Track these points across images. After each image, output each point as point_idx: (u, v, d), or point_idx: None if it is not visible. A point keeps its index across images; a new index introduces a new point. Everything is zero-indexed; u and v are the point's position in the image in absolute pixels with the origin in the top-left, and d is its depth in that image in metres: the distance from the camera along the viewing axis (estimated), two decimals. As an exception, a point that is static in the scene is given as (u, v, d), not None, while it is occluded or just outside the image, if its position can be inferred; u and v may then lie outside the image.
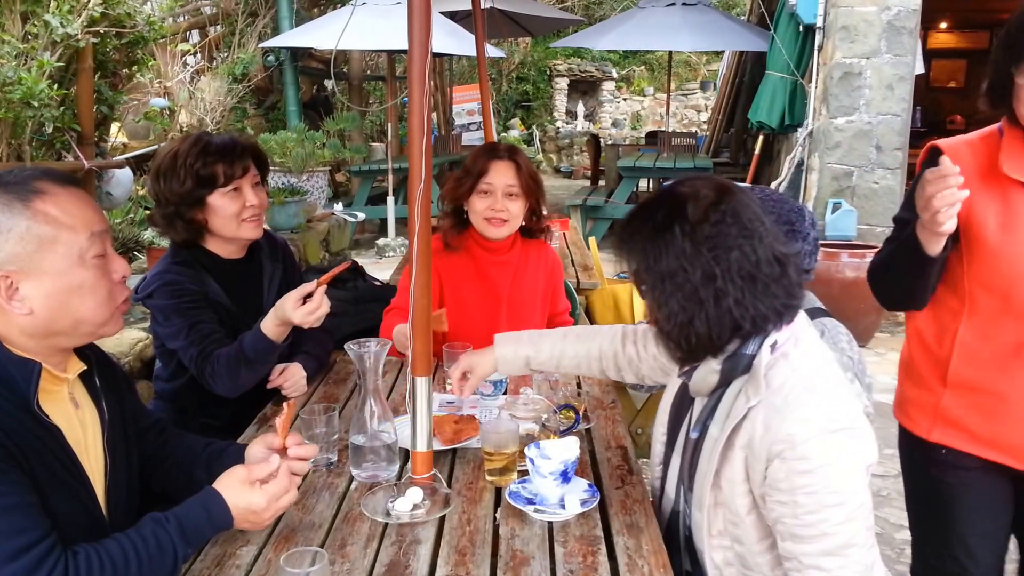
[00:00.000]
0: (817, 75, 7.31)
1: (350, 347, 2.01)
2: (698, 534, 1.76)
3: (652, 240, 1.60)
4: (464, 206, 2.97)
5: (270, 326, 2.35)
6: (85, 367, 1.73)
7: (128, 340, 3.76)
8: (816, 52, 7.30)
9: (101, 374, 1.79)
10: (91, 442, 1.70)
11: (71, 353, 1.71)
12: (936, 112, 13.31)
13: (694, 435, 1.75)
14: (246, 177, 2.60)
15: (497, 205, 2.89)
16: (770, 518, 1.60)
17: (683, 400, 1.86)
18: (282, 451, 1.78)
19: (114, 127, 7.46)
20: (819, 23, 7.19)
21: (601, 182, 12.46)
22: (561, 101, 20.61)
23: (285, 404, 1.79)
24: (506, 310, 3.01)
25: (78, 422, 1.67)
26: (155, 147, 7.54)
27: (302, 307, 2.27)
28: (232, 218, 2.59)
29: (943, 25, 13.28)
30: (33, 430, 1.53)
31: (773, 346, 1.63)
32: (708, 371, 1.65)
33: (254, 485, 1.66)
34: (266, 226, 2.79)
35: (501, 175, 2.90)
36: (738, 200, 1.60)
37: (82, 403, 1.71)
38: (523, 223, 3.03)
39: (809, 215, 2.20)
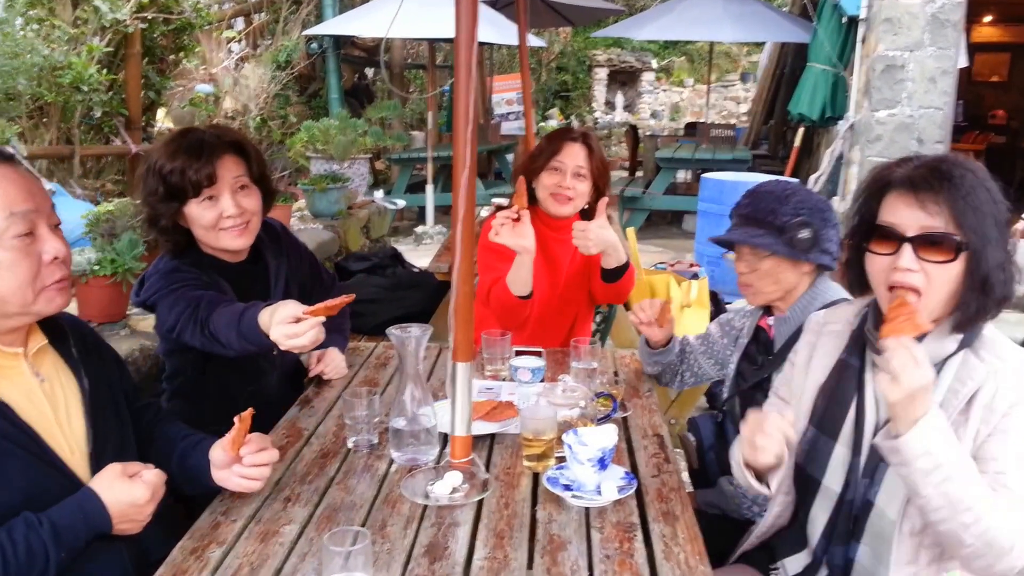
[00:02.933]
0: (859, 67, 7.23)
1: (392, 332, 2.03)
2: (892, 505, 1.72)
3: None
4: (533, 184, 3.03)
5: (265, 319, 1.96)
6: (46, 341, 1.71)
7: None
8: (859, 44, 7.22)
9: (79, 345, 1.78)
10: (64, 414, 1.70)
11: (30, 329, 1.69)
12: (978, 106, 13.13)
13: None
14: (222, 183, 2.30)
15: (565, 182, 2.96)
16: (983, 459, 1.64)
17: (836, 390, 1.83)
18: (237, 460, 1.79)
19: (160, 112, 7.57)
20: (862, 15, 7.09)
21: (639, 173, 12.41)
22: (600, 91, 20.53)
23: (237, 418, 1.76)
24: (562, 287, 3.08)
25: (42, 395, 1.66)
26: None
27: (285, 325, 1.86)
28: (209, 229, 2.33)
29: (987, 18, 13.07)
30: None
31: None
32: (947, 340, 1.69)
33: (133, 478, 1.65)
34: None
35: (572, 156, 2.97)
36: None
37: (51, 376, 1.70)
38: (586, 205, 3.07)
39: (831, 205, 2.25)
